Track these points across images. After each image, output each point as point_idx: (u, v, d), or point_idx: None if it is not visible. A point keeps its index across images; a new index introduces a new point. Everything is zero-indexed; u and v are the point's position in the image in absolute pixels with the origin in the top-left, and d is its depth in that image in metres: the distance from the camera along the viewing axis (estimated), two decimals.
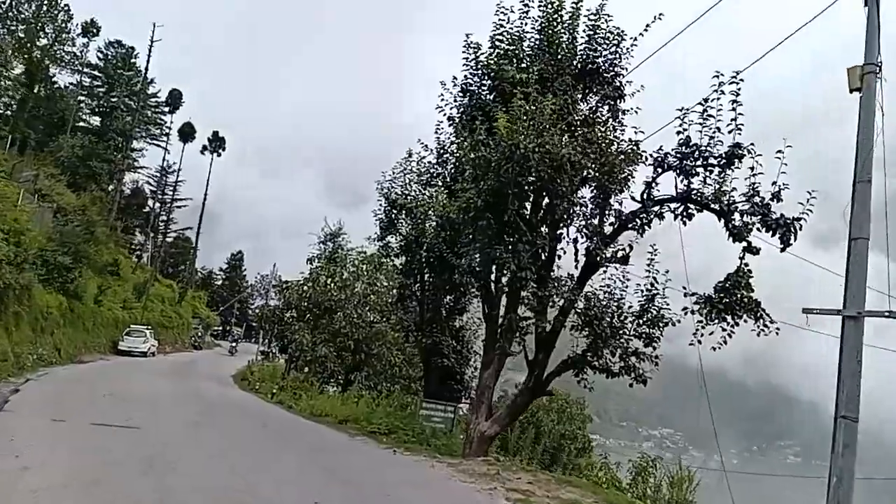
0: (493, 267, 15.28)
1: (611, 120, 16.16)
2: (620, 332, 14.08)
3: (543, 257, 14.53)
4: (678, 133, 13.20)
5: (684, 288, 14.03)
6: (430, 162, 19.49)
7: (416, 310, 20.80)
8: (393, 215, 21.55)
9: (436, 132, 18.39)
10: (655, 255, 14.26)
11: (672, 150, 13.45)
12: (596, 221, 14.36)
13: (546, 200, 14.98)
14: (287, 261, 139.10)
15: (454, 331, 20.33)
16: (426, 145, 19.24)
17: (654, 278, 14.23)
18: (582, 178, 14.23)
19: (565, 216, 14.33)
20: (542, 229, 14.84)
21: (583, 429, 33.49)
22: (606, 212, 14.40)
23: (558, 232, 14.54)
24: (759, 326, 13.52)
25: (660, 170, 13.73)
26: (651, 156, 13.68)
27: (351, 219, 62.50)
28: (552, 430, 25.50)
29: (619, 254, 14.00)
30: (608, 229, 14.36)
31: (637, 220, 13.99)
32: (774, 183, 12.94)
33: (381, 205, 21.81)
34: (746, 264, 13.66)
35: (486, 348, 16.15)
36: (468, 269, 16.90)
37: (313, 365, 30.47)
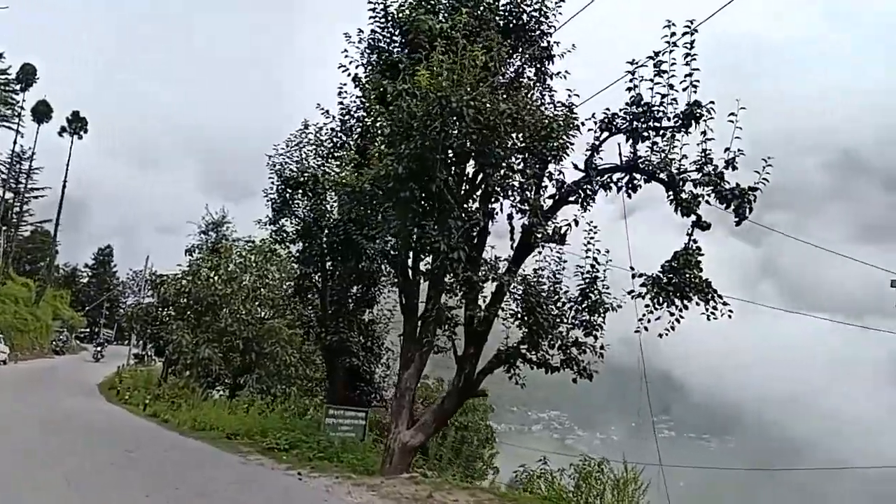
0: (412, 249, 13.05)
1: (538, 84, 14.36)
2: (559, 320, 12.28)
3: (474, 236, 12.48)
4: (628, 90, 11.51)
5: (632, 269, 12.48)
6: (332, 129, 16.94)
7: (318, 303, 18.24)
8: (287, 195, 18.86)
9: (339, 96, 15.89)
10: (595, 233, 12.58)
11: (620, 110, 11.77)
12: (532, 194, 12.46)
13: (473, 170, 12.94)
14: (163, 257, 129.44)
15: (363, 326, 17.93)
16: (327, 111, 16.68)
17: (595, 259, 12.55)
18: (514, 143, 12.29)
19: (498, 188, 12.34)
20: (472, 204, 12.78)
21: (484, 419, 32.22)
22: (543, 183, 12.54)
23: (491, 207, 12.51)
24: (709, 309, 12.13)
25: (606, 133, 12.01)
26: (596, 118, 11.93)
27: (239, 211, 57.62)
28: (455, 422, 23.94)
29: (563, 230, 12.17)
30: (547, 203, 12.51)
31: (580, 191, 12.21)
32: (727, 149, 11.53)
33: (273, 184, 19.04)
34: (695, 241, 12.25)
35: (405, 345, 13.91)
36: (381, 253, 14.59)
37: (195, 368, 26.96)
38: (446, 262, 11.32)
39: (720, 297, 12.05)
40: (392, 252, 14.25)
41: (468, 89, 11.01)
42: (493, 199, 12.53)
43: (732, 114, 10.99)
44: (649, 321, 12.16)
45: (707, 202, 12.01)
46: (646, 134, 11.70)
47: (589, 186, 12.21)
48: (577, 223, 12.07)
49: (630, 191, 12.49)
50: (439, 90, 10.85)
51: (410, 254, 14.08)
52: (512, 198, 12.44)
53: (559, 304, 12.20)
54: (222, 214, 35.50)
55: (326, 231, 18.16)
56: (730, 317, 12.10)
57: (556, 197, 12.35)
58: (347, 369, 17.55)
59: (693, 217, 12.14)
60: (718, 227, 13.34)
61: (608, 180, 12.35)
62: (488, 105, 11.03)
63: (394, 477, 12.27)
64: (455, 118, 10.91)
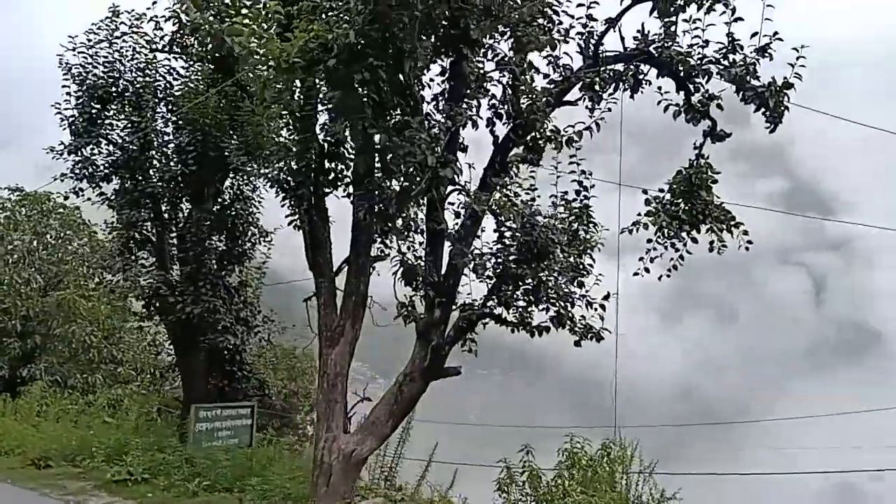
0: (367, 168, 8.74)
1: None
2: (550, 260, 8.96)
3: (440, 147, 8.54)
4: None
5: (645, 191, 9.57)
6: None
7: (158, 262, 13.04)
8: (94, 112, 13.30)
9: None
10: (578, 147, 9.42)
11: None
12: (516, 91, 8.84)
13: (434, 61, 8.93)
14: None
15: (232, 290, 13.11)
16: None
17: (583, 185, 9.43)
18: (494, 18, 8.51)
19: (473, 82, 8.56)
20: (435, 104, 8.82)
21: (312, 383, 28.92)
22: (526, 77, 8.93)
23: (464, 107, 8.63)
24: (719, 241, 9.62)
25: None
26: None
27: None
28: (283, 391, 20.34)
29: (564, 138, 8.73)
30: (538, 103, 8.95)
31: (587, 79, 8.82)
32: (755, 34, 8.87)
33: (70, 95, 13.32)
34: (706, 156, 9.59)
35: (326, 312, 9.78)
36: (274, 181, 10.11)
37: None
38: (429, 184, 7.39)
39: (739, 223, 9.55)
40: (290, 178, 9.92)
41: None
42: (465, 100, 8.65)
43: None
44: (651, 260, 9.47)
45: (719, 107, 9.35)
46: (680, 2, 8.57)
47: (598, 77, 8.91)
48: (590, 130, 8.73)
49: (635, 88, 9.47)
50: None
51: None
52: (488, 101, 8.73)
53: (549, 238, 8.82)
54: None
55: (163, 158, 13.04)
56: (747, 249, 9.70)
57: (557, 90, 8.83)
58: (210, 351, 12.77)
59: (706, 124, 9.44)
60: None
61: (611, 75, 9.17)
62: None
63: None
64: None
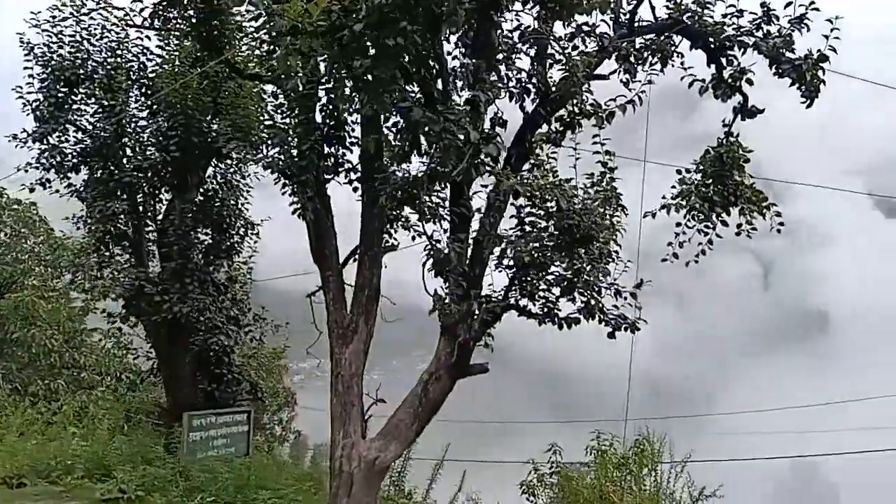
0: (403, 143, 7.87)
1: None
2: (591, 246, 8.34)
3: (482, 122, 7.79)
4: None
5: (679, 171, 9.02)
6: None
7: (135, 258, 11.95)
8: (60, 97, 12.20)
9: None
10: (602, 126, 8.82)
11: None
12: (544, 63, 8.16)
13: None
14: None
15: (222, 287, 12.06)
16: None
17: (608, 166, 8.87)
18: None
19: (503, 51, 7.84)
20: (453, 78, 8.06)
21: (282, 381, 28.07)
22: (558, 46, 8.24)
23: (494, 80, 7.89)
24: (748, 223, 9.15)
25: None
26: None
27: None
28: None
29: (605, 113, 8.08)
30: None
31: (622, 50, 8.18)
32: (790, 3, 8.39)
33: (33, 78, 12.19)
34: (735, 134, 9.08)
35: (334, 308, 8.97)
36: (272, 164, 9.20)
37: None
38: (471, 162, 6.63)
39: (772, 204, 9.07)
40: (291, 163, 9.07)
41: None
42: (493, 73, 7.91)
43: None
44: (681, 245, 8.97)
45: (749, 82, 8.83)
46: None
47: (633, 49, 8.30)
48: (632, 104, 8.10)
49: (662, 62, 8.90)
50: None
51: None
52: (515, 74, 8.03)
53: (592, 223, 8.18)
54: None
55: (139, 145, 12.00)
56: (779, 231, 9.26)
57: (597, 60, 8.17)
58: (198, 353, 11.75)
59: (736, 99, 8.93)
60: None
61: (647, 45, 8.58)
62: None
63: None
64: None
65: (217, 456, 10.20)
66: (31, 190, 12.32)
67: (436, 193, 8.24)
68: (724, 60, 8.68)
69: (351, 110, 8.30)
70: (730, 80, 8.67)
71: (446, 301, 8.20)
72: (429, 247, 7.74)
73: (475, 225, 8.47)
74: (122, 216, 11.72)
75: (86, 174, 12.45)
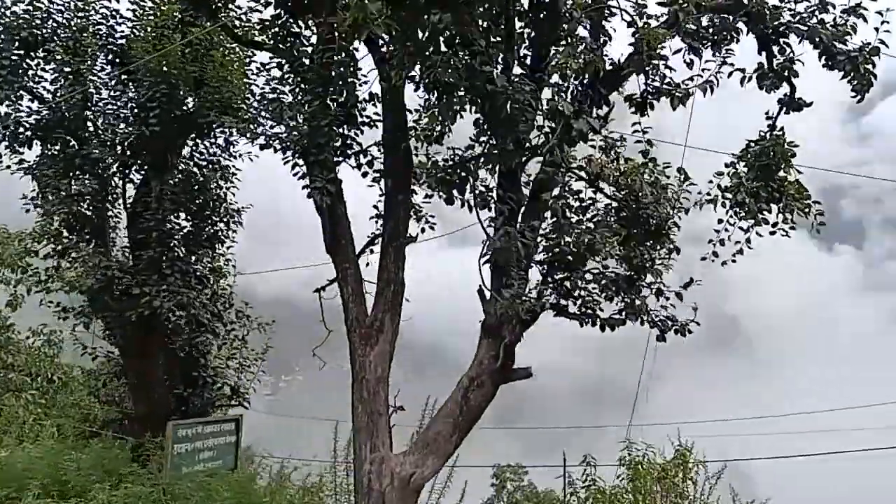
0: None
1: None
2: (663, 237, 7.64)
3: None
4: None
5: (728, 164, 8.49)
6: None
7: (99, 244, 10.46)
8: (14, 60, 10.77)
9: None
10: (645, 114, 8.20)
11: None
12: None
13: None
14: None
15: (205, 279, 10.63)
16: None
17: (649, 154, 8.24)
18: None
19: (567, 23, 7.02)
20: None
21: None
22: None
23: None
24: (787, 222, 8.73)
25: None
26: None
27: None
28: None
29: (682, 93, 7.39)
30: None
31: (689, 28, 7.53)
32: None
33: None
34: (779, 128, 8.63)
35: (354, 306, 7.96)
36: (303, 143, 8.11)
37: None
38: (561, 138, 5.80)
39: (816, 202, 8.68)
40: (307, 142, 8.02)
41: None
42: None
43: None
44: (722, 243, 8.50)
45: (794, 73, 8.41)
46: None
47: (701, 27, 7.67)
48: (710, 84, 7.45)
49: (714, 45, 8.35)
50: None
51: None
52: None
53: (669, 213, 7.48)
54: None
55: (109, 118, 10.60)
56: (818, 231, 8.89)
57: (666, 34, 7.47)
58: (167, 353, 10.36)
59: (783, 90, 8.48)
60: None
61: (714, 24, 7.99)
62: None
63: None
64: None
65: (203, 470, 8.96)
66: None
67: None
68: (775, 49, 8.27)
69: (403, 78, 7.26)
70: (778, 70, 8.23)
71: (490, 299, 7.40)
72: (490, 237, 6.87)
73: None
74: (88, 197, 10.25)
75: (55, 149, 10.93)
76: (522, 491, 14.86)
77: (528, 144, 6.27)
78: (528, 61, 6.95)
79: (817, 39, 8.00)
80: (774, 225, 8.48)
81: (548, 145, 5.85)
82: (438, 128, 7.96)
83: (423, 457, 7.31)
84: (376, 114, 8.79)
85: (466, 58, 5.66)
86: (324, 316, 8.66)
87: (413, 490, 7.29)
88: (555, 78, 6.77)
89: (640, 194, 6.93)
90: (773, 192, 8.39)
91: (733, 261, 8.64)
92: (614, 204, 7.31)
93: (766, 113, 8.49)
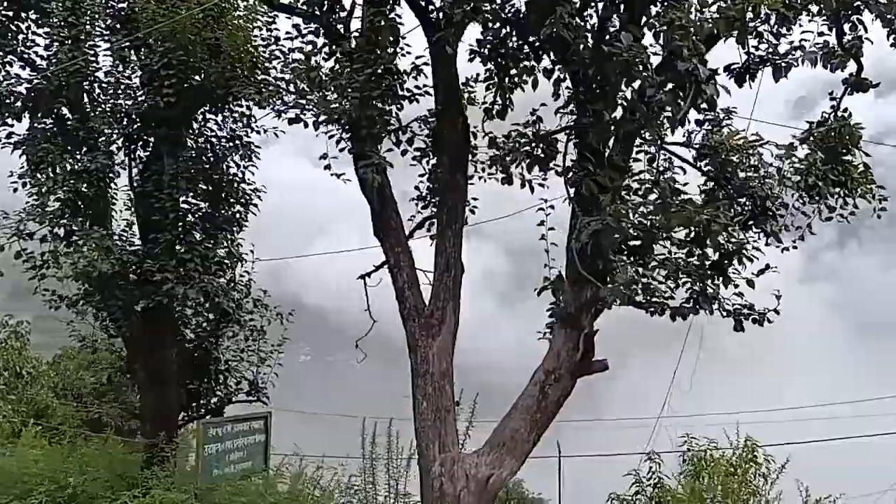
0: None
1: None
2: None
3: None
4: None
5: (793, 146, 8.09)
6: None
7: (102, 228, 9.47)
8: (3, 22, 9.76)
9: None
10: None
11: None
12: None
13: None
14: None
15: (224, 267, 9.64)
16: None
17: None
18: None
19: None
20: None
21: None
22: None
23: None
24: (848, 206, 8.43)
25: None
26: None
27: None
28: None
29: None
30: None
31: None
32: None
33: None
34: (845, 108, 8.29)
35: (410, 294, 7.31)
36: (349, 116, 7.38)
37: None
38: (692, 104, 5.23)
39: (881, 186, 8.39)
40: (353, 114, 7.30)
41: None
42: None
43: None
44: (786, 228, 8.16)
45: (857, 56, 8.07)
46: None
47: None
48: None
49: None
50: None
51: None
52: None
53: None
54: None
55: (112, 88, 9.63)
56: (879, 216, 8.62)
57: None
58: (179, 345, 9.48)
59: (850, 69, 8.12)
60: None
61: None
62: None
63: None
64: None
65: (234, 472, 8.22)
66: None
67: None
68: (846, 26, 7.89)
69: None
70: (847, 47, 7.86)
71: (566, 287, 6.84)
72: (579, 217, 6.29)
73: None
74: (95, 174, 9.28)
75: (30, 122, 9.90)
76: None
77: (629, 116, 5.70)
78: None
79: (888, 17, 7.65)
80: (832, 209, 8.20)
81: (680, 112, 5.29)
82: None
83: (500, 457, 6.73)
84: (417, 87, 8.15)
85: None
86: (369, 305, 7.99)
87: (490, 493, 6.71)
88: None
89: (748, 173, 6.45)
90: (840, 175, 8.06)
91: (794, 247, 8.30)
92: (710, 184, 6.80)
93: (830, 93, 8.16)
